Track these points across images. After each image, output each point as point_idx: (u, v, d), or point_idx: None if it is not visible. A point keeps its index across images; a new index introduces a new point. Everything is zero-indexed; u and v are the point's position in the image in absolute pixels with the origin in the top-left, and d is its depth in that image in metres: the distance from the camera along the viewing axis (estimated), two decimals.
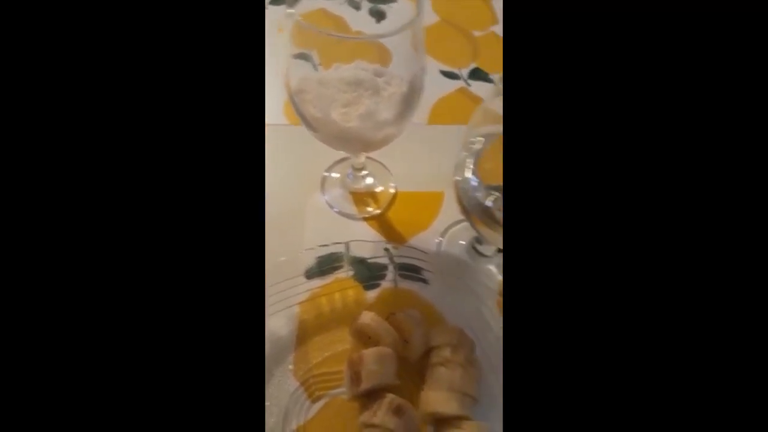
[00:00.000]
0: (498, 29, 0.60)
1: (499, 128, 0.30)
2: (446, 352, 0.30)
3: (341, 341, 0.34)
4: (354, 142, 0.30)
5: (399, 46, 0.26)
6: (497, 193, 0.31)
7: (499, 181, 0.32)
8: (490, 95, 0.28)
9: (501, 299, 0.35)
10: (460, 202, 0.31)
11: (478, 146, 0.31)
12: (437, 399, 0.28)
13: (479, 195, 0.31)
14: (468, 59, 0.55)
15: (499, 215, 0.31)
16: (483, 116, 0.29)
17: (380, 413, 0.27)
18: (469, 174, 0.31)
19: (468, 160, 0.31)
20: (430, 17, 0.61)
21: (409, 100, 0.29)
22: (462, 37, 0.59)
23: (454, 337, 0.30)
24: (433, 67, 0.54)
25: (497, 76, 0.55)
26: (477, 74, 0.54)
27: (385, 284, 0.37)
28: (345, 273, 0.37)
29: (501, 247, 0.36)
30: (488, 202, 0.31)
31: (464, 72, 0.54)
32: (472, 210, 0.30)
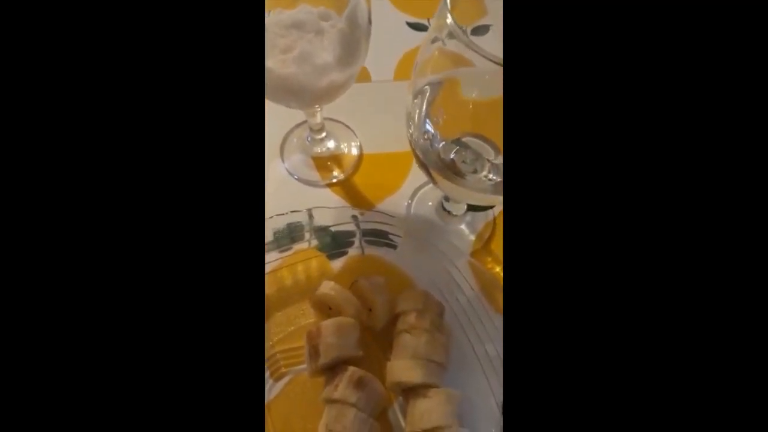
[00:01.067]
0: None
1: (450, 72, 0.27)
2: (411, 318, 0.28)
3: (304, 315, 0.32)
4: (297, 93, 0.27)
5: None
6: (456, 146, 0.29)
7: (456, 134, 0.29)
8: (436, 31, 0.25)
9: (472, 261, 0.33)
10: (416, 157, 0.28)
11: (428, 95, 0.28)
12: (401, 368, 0.26)
13: (439, 148, 0.29)
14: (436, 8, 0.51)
15: (465, 168, 0.28)
16: (431, 60, 0.26)
17: (341, 387, 0.25)
18: (427, 127, 0.29)
19: (418, 111, 0.28)
20: None
21: (350, 39, 0.25)
22: None
23: (420, 301, 0.28)
24: (399, 19, 0.50)
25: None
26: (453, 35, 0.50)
27: (352, 253, 0.34)
28: (308, 243, 0.34)
29: (468, 203, 0.34)
30: (451, 155, 0.29)
31: (443, 33, 0.50)
32: (432, 165, 0.28)
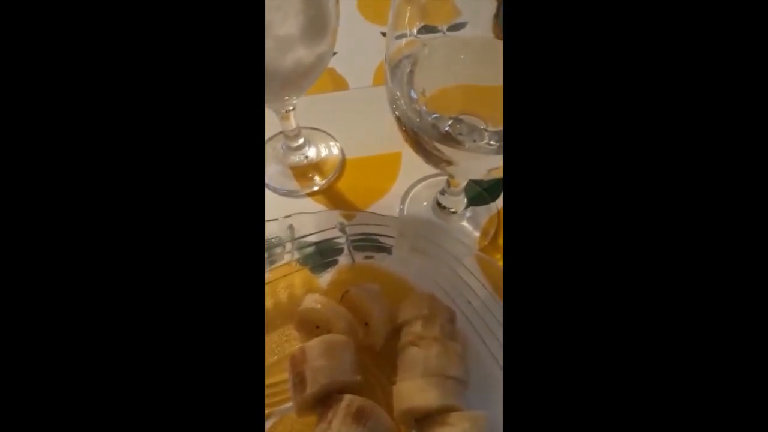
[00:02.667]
0: None
1: (436, 35, 0.26)
2: (417, 328, 0.23)
3: (289, 342, 0.26)
4: None
5: None
6: (450, 120, 0.25)
7: (449, 110, 0.26)
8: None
9: (480, 256, 0.29)
10: (408, 136, 0.25)
11: (407, 68, 0.25)
12: (411, 390, 0.21)
13: (433, 122, 0.25)
14: (414, 18, 0.50)
15: (462, 138, 0.25)
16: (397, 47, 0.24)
17: (336, 422, 0.20)
18: (420, 106, 0.26)
19: (402, 90, 0.25)
20: None
21: (315, 8, 0.22)
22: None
23: (425, 307, 0.23)
24: (374, 30, 0.49)
25: None
26: (428, 29, 0.49)
27: (341, 263, 0.30)
28: (289, 256, 0.30)
29: (470, 176, 0.31)
30: (446, 128, 0.25)
31: (413, 31, 0.48)
32: (428, 138, 0.24)
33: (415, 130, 0.24)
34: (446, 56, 0.28)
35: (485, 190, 0.34)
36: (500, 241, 0.31)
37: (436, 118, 0.25)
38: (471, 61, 0.28)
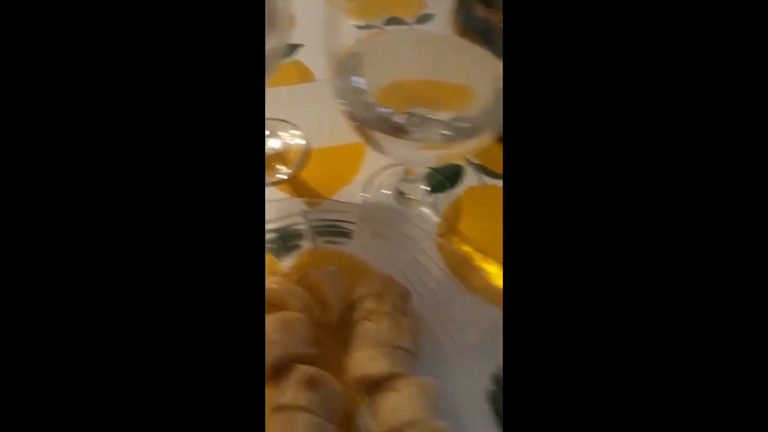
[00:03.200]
0: None
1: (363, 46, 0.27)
2: (369, 303, 0.24)
3: None
4: None
5: None
6: (403, 114, 0.27)
7: (400, 104, 0.27)
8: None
9: (439, 241, 0.30)
10: (360, 131, 0.26)
11: (356, 62, 0.26)
12: (362, 359, 0.22)
13: (384, 115, 0.26)
14: (380, 9, 0.52)
15: (413, 130, 0.26)
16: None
17: (290, 390, 0.21)
18: (371, 101, 0.27)
19: (349, 87, 0.26)
20: None
21: None
22: None
23: (378, 285, 0.25)
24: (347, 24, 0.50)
25: None
26: (395, 22, 0.50)
27: (303, 249, 0.31)
28: None
29: (421, 167, 0.32)
30: (397, 120, 0.26)
31: (380, 23, 0.50)
32: (378, 129, 0.25)
33: (365, 123, 0.25)
34: (396, 50, 0.29)
35: (446, 178, 0.35)
36: (459, 226, 0.33)
37: (387, 111, 0.26)
38: (422, 55, 0.29)
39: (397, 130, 0.26)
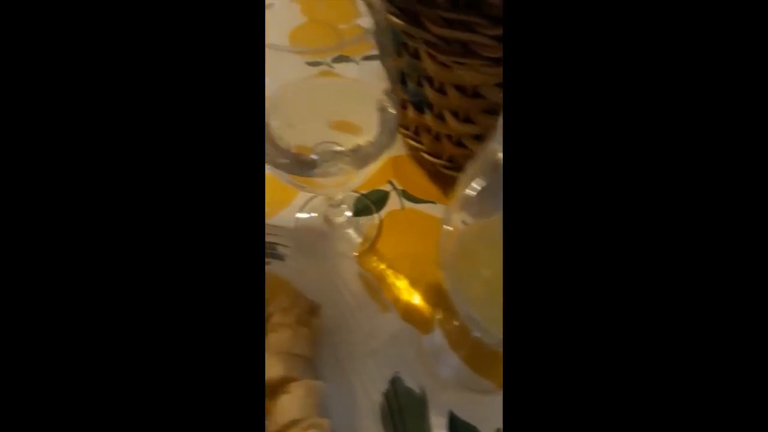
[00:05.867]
0: (361, 22, 0.61)
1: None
2: (276, 318, 0.28)
3: None
4: None
5: None
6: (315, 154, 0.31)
7: (312, 141, 0.31)
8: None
9: (358, 257, 0.34)
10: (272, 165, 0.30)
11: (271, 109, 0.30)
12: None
13: (294, 152, 0.30)
14: (333, 50, 0.56)
15: (323, 165, 0.30)
16: None
17: None
18: (284, 145, 0.31)
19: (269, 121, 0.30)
20: (299, 19, 0.62)
21: None
22: (330, 31, 0.60)
23: (287, 300, 0.29)
24: (299, 61, 0.54)
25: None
26: (342, 59, 0.54)
27: None
28: None
29: (339, 194, 0.36)
30: (312, 155, 0.31)
31: (328, 59, 0.54)
32: (289, 169, 0.29)
33: (282, 168, 0.29)
34: (310, 95, 0.33)
35: (373, 202, 0.39)
36: (378, 245, 0.37)
37: (299, 148, 0.30)
38: (331, 98, 0.33)
39: (309, 167, 0.30)
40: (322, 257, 0.35)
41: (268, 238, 0.36)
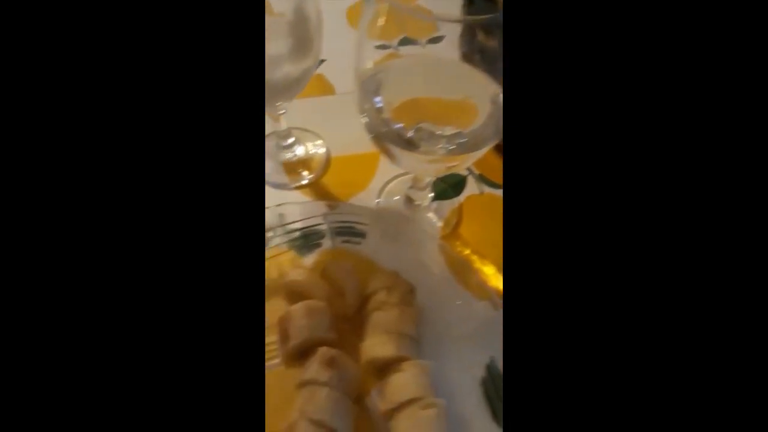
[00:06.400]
0: (421, 1, 0.60)
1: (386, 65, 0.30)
2: (381, 296, 0.28)
3: (278, 311, 0.32)
4: None
5: None
6: (413, 130, 0.30)
7: (410, 120, 0.31)
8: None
9: (441, 243, 0.34)
10: (377, 140, 0.30)
11: (376, 81, 0.30)
12: (374, 345, 0.26)
13: (397, 129, 0.30)
14: (398, 32, 0.55)
15: (423, 144, 0.30)
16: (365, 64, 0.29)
17: (312, 368, 0.25)
18: (386, 117, 0.31)
19: (370, 105, 0.30)
20: None
21: (300, 31, 0.27)
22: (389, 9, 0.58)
23: (389, 280, 0.29)
24: (368, 43, 0.54)
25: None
26: (407, 42, 0.53)
27: (323, 247, 0.35)
28: (278, 242, 0.35)
29: (432, 176, 0.36)
30: (408, 134, 0.30)
31: (394, 42, 0.53)
32: (388, 140, 0.29)
33: (381, 137, 0.29)
34: (409, 72, 0.32)
35: (450, 186, 0.39)
36: (461, 230, 0.37)
37: (399, 126, 0.30)
38: (430, 76, 0.33)
39: (408, 144, 0.30)
40: (403, 239, 0.35)
41: (348, 218, 0.36)
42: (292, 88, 0.30)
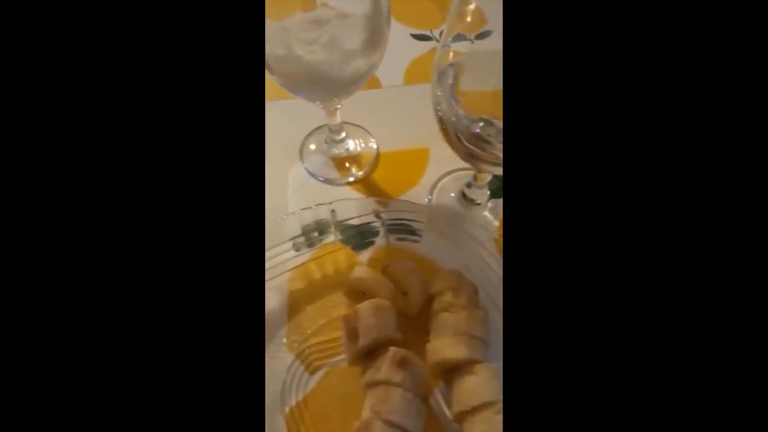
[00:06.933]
0: None
1: (464, 59, 0.29)
2: (448, 297, 0.27)
3: (336, 306, 0.31)
4: (323, 81, 0.28)
5: None
6: (482, 122, 0.30)
7: (481, 112, 0.30)
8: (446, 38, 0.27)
9: (499, 242, 0.33)
10: (446, 134, 0.29)
11: (450, 80, 0.29)
12: (443, 345, 0.26)
13: (467, 123, 0.29)
14: (438, 21, 0.54)
15: (491, 139, 0.29)
16: (444, 54, 0.28)
17: (384, 368, 0.25)
18: (458, 108, 0.30)
19: (445, 94, 0.29)
20: None
21: (374, 25, 0.27)
22: (430, 1, 0.57)
23: (454, 280, 0.28)
24: (404, 31, 0.53)
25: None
26: (459, 37, 0.52)
27: (377, 244, 0.34)
28: (333, 238, 0.34)
29: (496, 172, 0.35)
30: (476, 129, 0.30)
31: (436, 33, 0.52)
32: (463, 139, 0.28)
33: (455, 130, 0.28)
34: (483, 65, 0.32)
35: None
36: None
37: (470, 119, 0.29)
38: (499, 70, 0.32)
39: (477, 139, 0.29)
40: (460, 237, 0.34)
41: (402, 215, 0.36)
42: (358, 82, 0.29)
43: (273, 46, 0.27)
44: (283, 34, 0.27)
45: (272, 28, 0.28)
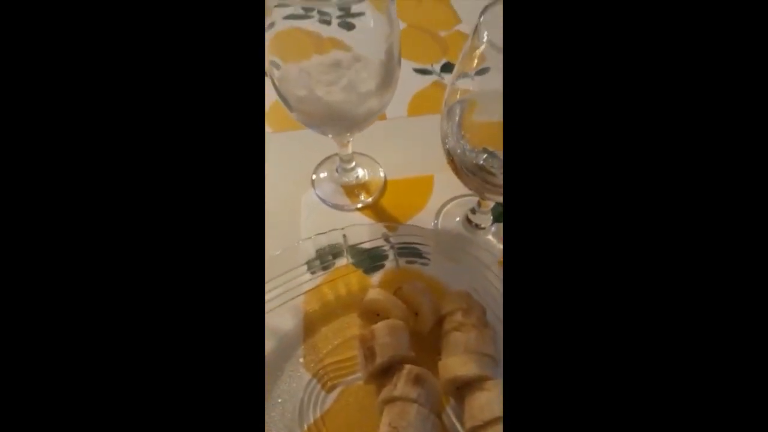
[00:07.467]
0: (462, 27, 0.62)
1: (470, 96, 0.32)
2: (458, 317, 0.29)
3: (350, 327, 0.33)
4: (339, 119, 0.30)
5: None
6: (485, 154, 0.32)
7: (483, 144, 0.33)
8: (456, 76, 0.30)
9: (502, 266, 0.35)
10: (453, 164, 0.31)
11: (456, 118, 0.32)
12: (455, 363, 0.27)
13: (472, 156, 0.32)
14: (438, 56, 0.58)
15: (494, 170, 0.32)
16: (453, 92, 0.31)
17: (400, 384, 0.26)
18: (462, 142, 0.32)
19: (453, 129, 0.32)
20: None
21: (387, 69, 0.29)
22: (430, 38, 0.61)
23: (464, 301, 0.30)
24: (407, 66, 0.56)
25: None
26: (448, 68, 0.56)
27: (387, 267, 0.36)
28: (345, 262, 0.36)
29: (498, 201, 0.37)
30: (480, 161, 0.32)
31: (436, 67, 0.56)
32: (468, 170, 0.31)
33: (461, 162, 0.31)
34: (487, 103, 0.34)
35: None
36: None
37: (474, 152, 0.32)
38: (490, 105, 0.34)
39: (480, 169, 0.32)
40: (467, 260, 0.36)
41: (410, 239, 0.38)
42: (369, 119, 0.32)
43: (294, 87, 0.29)
44: (304, 77, 0.30)
45: (293, 70, 0.30)
